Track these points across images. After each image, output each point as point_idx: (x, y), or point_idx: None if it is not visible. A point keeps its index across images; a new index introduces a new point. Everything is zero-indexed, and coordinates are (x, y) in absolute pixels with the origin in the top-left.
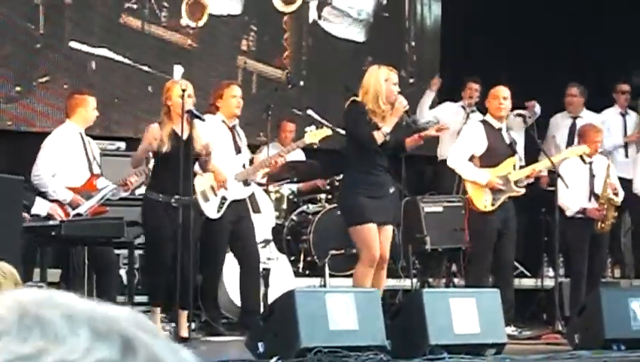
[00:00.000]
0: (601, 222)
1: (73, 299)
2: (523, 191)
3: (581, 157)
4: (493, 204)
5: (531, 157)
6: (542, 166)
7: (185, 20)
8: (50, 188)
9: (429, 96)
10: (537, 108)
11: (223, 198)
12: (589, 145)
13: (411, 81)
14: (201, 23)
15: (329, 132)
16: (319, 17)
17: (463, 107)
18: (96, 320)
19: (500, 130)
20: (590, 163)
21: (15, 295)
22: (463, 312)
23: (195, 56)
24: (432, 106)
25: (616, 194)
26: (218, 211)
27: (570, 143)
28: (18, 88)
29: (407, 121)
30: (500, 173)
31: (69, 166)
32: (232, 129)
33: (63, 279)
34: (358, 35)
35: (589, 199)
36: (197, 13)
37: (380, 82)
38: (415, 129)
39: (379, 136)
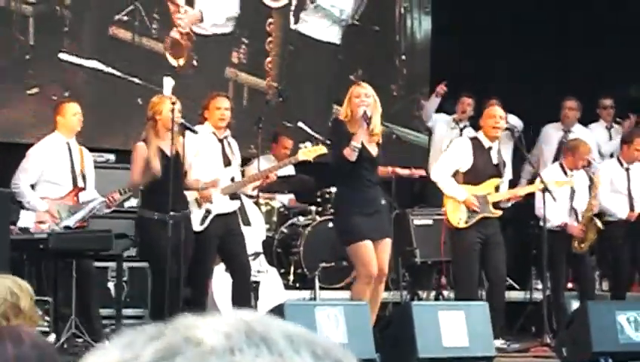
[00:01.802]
0: (580, 242)
1: (287, 323)
2: (499, 213)
3: (563, 171)
4: (467, 222)
5: (517, 168)
6: (523, 191)
7: (176, 33)
8: (26, 198)
9: (435, 101)
10: (514, 120)
11: (207, 211)
12: (577, 160)
13: (402, 94)
14: (181, 62)
15: (324, 150)
16: (297, 21)
17: (456, 121)
18: (314, 343)
19: (489, 149)
20: (571, 177)
21: (238, 314)
22: (452, 325)
23: (185, 68)
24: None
25: (596, 215)
26: (201, 224)
27: (558, 156)
28: (7, 97)
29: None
30: (479, 193)
31: (50, 176)
32: (221, 141)
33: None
34: (336, 37)
35: (569, 214)
36: (178, 52)
37: (346, 102)
38: (388, 133)
39: (349, 153)
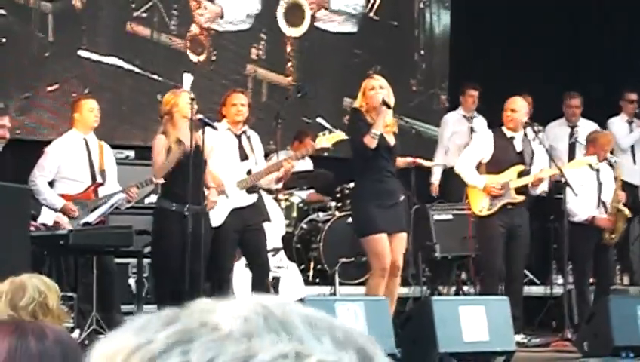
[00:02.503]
0: (610, 233)
1: (307, 308)
2: (522, 198)
3: (589, 164)
4: (489, 209)
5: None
6: (545, 174)
7: (195, 28)
8: (42, 195)
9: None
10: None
11: (224, 206)
12: (599, 151)
13: (421, 89)
14: (202, 57)
15: (342, 135)
16: (313, 19)
17: (465, 116)
18: (335, 329)
19: (511, 138)
20: (597, 170)
21: (258, 299)
22: (473, 320)
23: (204, 64)
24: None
25: (623, 204)
26: (218, 219)
27: (571, 152)
28: (27, 94)
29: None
30: (500, 180)
31: (68, 173)
32: (239, 136)
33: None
34: (351, 27)
35: (597, 206)
36: (199, 48)
37: (363, 95)
38: (407, 128)
39: (369, 140)
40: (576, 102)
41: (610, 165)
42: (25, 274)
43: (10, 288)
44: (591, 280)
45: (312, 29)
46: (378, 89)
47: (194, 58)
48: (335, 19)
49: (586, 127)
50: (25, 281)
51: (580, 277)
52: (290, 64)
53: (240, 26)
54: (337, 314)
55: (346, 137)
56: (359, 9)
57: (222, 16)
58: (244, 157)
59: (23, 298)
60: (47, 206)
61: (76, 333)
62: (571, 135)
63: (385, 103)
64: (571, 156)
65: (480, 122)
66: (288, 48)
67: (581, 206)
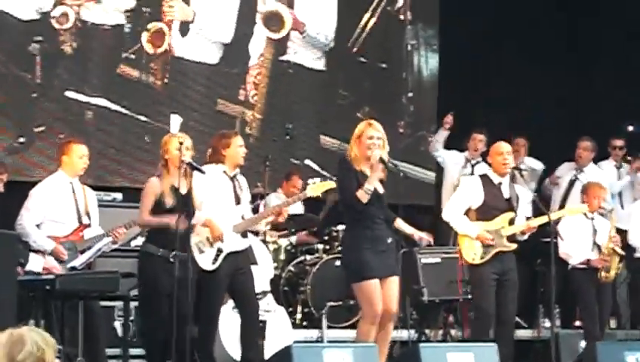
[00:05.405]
0: (605, 272)
1: None
2: (514, 246)
3: (585, 215)
4: (482, 258)
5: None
6: (537, 222)
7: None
8: (31, 238)
9: (442, 135)
10: (534, 164)
11: (219, 250)
12: (591, 200)
13: (409, 131)
14: (159, 50)
15: (332, 184)
16: (284, 52)
17: (467, 159)
18: None
19: (499, 184)
20: (592, 218)
21: None
22: None
23: (192, 105)
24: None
25: (619, 247)
26: (213, 263)
27: (566, 194)
28: (22, 139)
29: (390, 168)
30: (492, 228)
31: (55, 215)
32: (232, 179)
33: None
34: (322, 64)
35: (592, 250)
36: (158, 41)
37: (355, 140)
38: (396, 171)
39: (361, 195)
40: (584, 145)
41: (602, 215)
42: (24, 327)
43: (9, 340)
44: (578, 323)
45: (286, 66)
46: (375, 140)
47: (149, 49)
48: (309, 52)
49: (592, 172)
50: (24, 335)
51: (588, 321)
52: (262, 100)
53: (211, 47)
54: (325, 361)
55: (335, 185)
56: (329, 39)
57: (192, 21)
58: (238, 201)
59: (21, 351)
60: (37, 249)
61: None
62: (574, 177)
63: (382, 161)
64: (568, 191)
65: (481, 170)
66: (259, 85)
67: (576, 249)
